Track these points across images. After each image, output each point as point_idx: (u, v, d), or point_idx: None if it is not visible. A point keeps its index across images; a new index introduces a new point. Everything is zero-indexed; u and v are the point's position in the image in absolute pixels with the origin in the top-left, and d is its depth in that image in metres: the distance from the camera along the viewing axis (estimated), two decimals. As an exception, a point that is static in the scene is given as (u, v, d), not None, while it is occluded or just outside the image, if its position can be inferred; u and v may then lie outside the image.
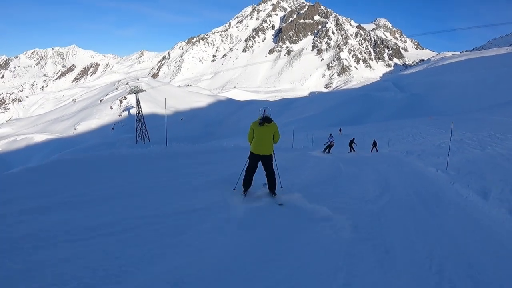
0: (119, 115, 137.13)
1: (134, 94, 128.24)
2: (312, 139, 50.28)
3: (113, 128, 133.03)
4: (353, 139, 37.28)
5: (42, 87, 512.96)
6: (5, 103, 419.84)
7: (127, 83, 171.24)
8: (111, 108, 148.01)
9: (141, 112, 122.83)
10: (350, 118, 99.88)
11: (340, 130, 61.00)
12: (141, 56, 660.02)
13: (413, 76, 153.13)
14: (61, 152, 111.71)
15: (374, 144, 36.28)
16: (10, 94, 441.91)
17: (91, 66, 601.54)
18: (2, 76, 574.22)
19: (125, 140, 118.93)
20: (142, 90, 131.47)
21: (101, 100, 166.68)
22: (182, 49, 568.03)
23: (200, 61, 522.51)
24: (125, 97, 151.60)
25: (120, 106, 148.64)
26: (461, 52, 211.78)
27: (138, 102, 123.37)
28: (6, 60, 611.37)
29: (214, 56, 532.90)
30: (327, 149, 29.57)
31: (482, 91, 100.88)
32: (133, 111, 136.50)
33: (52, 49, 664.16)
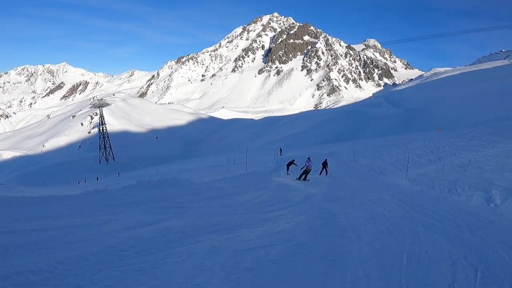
0: (89, 132, 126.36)
1: (104, 109, 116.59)
2: (276, 158, 42.89)
3: (80, 146, 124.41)
4: (293, 160, 31.01)
5: (31, 103, 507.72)
6: None
7: (101, 99, 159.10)
8: (82, 124, 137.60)
9: (105, 129, 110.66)
10: (339, 135, 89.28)
11: (280, 150, 52.72)
12: (131, 75, 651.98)
13: (407, 91, 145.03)
14: (22, 170, 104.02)
15: (324, 165, 28.80)
16: None
17: (80, 84, 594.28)
18: None
19: (89, 159, 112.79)
20: (106, 104, 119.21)
21: (73, 116, 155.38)
22: (171, 68, 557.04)
23: (189, 80, 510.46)
24: (96, 113, 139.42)
25: (91, 122, 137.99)
26: (454, 68, 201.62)
27: (102, 117, 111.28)
28: None
29: (203, 75, 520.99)
30: (303, 175, 24.54)
31: (487, 102, 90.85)
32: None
33: (43, 66, 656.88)
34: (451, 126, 65.81)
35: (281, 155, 48.95)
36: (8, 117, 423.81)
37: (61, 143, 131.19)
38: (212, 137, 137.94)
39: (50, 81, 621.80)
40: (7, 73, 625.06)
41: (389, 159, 29.30)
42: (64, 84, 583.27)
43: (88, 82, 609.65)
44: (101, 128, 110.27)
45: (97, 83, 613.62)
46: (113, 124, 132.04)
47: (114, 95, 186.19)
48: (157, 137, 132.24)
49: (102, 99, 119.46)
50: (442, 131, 49.14)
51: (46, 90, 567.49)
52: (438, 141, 32.80)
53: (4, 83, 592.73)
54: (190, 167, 52.61)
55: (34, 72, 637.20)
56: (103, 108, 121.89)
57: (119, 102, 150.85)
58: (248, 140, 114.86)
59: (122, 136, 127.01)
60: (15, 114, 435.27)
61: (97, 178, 71.35)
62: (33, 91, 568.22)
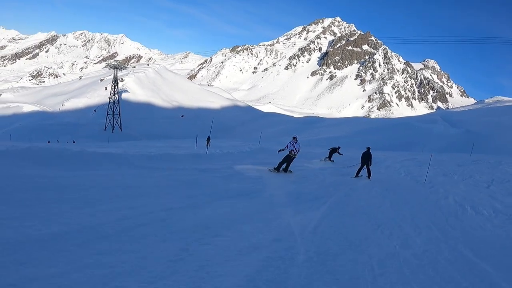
0: (109, 98, 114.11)
1: (131, 76, 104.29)
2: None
3: (95, 110, 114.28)
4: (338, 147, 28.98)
5: (82, 68, 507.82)
6: (41, 75, 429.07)
7: (134, 67, 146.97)
8: (106, 89, 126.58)
9: (117, 93, 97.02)
10: (383, 146, 72.73)
11: (208, 140, 42.70)
12: (185, 57, 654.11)
13: (466, 114, 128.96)
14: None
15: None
16: (48, 68, 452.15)
17: (134, 57, 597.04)
18: (47, 51, 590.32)
19: (95, 124, 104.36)
20: (124, 67, 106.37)
21: (101, 80, 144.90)
22: (225, 56, 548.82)
23: (240, 70, 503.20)
24: (122, 78, 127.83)
25: (115, 88, 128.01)
26: None
27: (115, 80, 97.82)
28: (54, 36, 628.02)
29: (255, 68, 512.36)
30: (284, 164, 18.11)
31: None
32: (125, 95, 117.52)
33: (101, 34, 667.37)
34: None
35: (208, 145, 39.36)
36: (57, 77, 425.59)
37: (80, 105, 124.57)
38: (244, 127, 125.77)
39: (105, 49, 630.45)
40: (65, 35, 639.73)
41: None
42: (117, 55, 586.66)
43: (142, 57, 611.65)
44: (113, 91, 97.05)
45: (150, 58, 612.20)
46: (138, 94, 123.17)
47: (148, 64, 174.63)
48: (182, 116, 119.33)
49: (119, 61, 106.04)
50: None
51: (99, 57, 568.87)
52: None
53: (60, 45, 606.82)
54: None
55: (92, 39, 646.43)
56: (132, 75, 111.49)
57: (150, 72, 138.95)
58: (280, 135, 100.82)
59: (144, 108, 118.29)
60: (64, 75, 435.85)
61: (48, 141, 64.27)
62: (86, 56, 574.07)
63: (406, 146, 75.50)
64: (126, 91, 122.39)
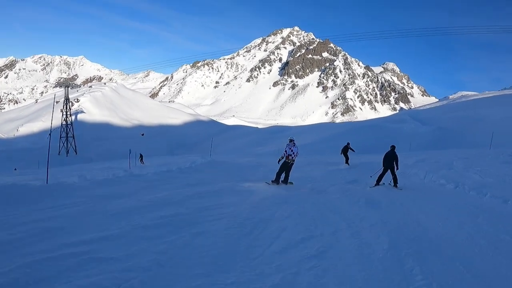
0: (72, 121, 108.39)
1: (87, 96, 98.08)
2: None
3: (49, 134, 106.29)
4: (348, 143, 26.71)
5: (42, 92, 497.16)
6: (1, 102, 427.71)
7: (90, 86, 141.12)
8: (61, 111, 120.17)
9: (70, 114, 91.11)
10: (360, 148, 68.98)
11: (141, 157, 40.63)
12: (146, 76, 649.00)
13: (434, 111, 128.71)
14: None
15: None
16: (8, 94, 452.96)
17: (94, 78, 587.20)
18: (6, 76, 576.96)
19: (49, 149, 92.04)
20: (75, 85, 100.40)
21: (57, 102, 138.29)
22: (186, 72, 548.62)
23: (202, 86, 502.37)
24: (77, 99, 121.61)
25: (70, 109, 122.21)
26: (482, 92, 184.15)
27: (67, 100, 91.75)
28: (13, 61, 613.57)
29: (217, 82, 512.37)
30: (282, 173, 15.49)
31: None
32: (81, 116, 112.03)
33: (60, 57, 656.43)
34: (498, 145, 48.59)
35: (142, 163, 37.84)
36: (17, 103, 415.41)
37: (35, 129, 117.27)
38: (208, 141, 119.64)
39: (65, 72, 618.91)
40: (24, 60, 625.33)
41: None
42: (77, 77, 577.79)
43: (102, 78, 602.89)
44: (65, 113, 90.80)
45: (111, 79, 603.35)
46: (94, 114, 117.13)
47: (105, 83, 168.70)
48: (142, 134, 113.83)
49: (67, 79, 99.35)
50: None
51: (60, 80, 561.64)
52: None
53: (19, 70, 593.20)
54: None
55: (51, 62, 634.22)
56: (88, 95, 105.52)
57: (107, 91, 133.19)
58: (246, 147, 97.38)
59: (102, 128, 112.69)
60: (24, 100, 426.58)
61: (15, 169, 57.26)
62: (46, 80, 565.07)
63: (377, 149, 71.96)
64: (82, 111, 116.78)
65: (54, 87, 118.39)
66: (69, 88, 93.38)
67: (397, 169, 15.31)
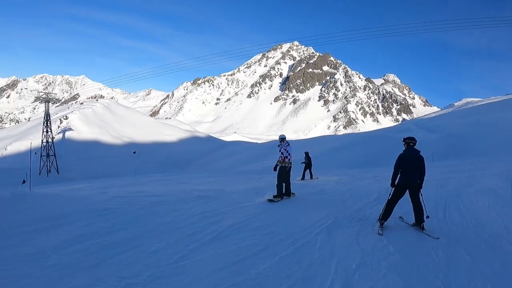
0: (53, 138, 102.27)
1: (76, 113, 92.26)
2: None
3: (35, 153, 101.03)
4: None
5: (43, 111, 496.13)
6: (2, 121, 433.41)
7: (82, 103, 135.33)
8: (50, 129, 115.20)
9: (50, 131, 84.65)
10: (361, 161, 62.28)
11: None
12: (148, 94, 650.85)
13: (440, 118, 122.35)
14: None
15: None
16: (9, 114, 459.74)
17: (95, 97, 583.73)
18: (8, 96, 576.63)
19: (32, 169, 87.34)
20: (56, 100, 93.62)
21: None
22: (187, 89, 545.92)
23: (203, 103, 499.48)
24: (66, 116, 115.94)
25: (59, 127, 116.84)
26: (487, 98, 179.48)
27: (48, 116, 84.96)
28: (15, 81, 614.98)
29: (218, 99, 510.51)
30: (281, 186, 12.85)
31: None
32: (69, 134, 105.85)
33: (62, 76, 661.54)
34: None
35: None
36: (18, 122, 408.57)
37: (22, 148, 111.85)
38: (205, 158, 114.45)
39: (67, 92, 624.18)
40: (25, 79, 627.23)
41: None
42: (78, 96, 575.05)
43: (104, 97, 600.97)
44: (45, 130, 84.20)
45: (112, 98, 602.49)
46: (83, 132, 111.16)
47: (97, 100, 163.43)
48: (134, 152, 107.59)
49: (51, 93, 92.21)
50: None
51: (61, 100, 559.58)
52: None
53: (21, 89, 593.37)
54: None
55: (53, 82, 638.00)
56: (77, 112, 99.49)
57: (98, 108, 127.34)
58: (243, 163, 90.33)
59: (91, 146, 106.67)
60: (25, 120, 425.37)
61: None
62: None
63: (384, 160, 65.29)
64: (70, 129, 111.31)
65: (33, 101, 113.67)
66: (49, 103, 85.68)
67: (421, 187, 8.27)
